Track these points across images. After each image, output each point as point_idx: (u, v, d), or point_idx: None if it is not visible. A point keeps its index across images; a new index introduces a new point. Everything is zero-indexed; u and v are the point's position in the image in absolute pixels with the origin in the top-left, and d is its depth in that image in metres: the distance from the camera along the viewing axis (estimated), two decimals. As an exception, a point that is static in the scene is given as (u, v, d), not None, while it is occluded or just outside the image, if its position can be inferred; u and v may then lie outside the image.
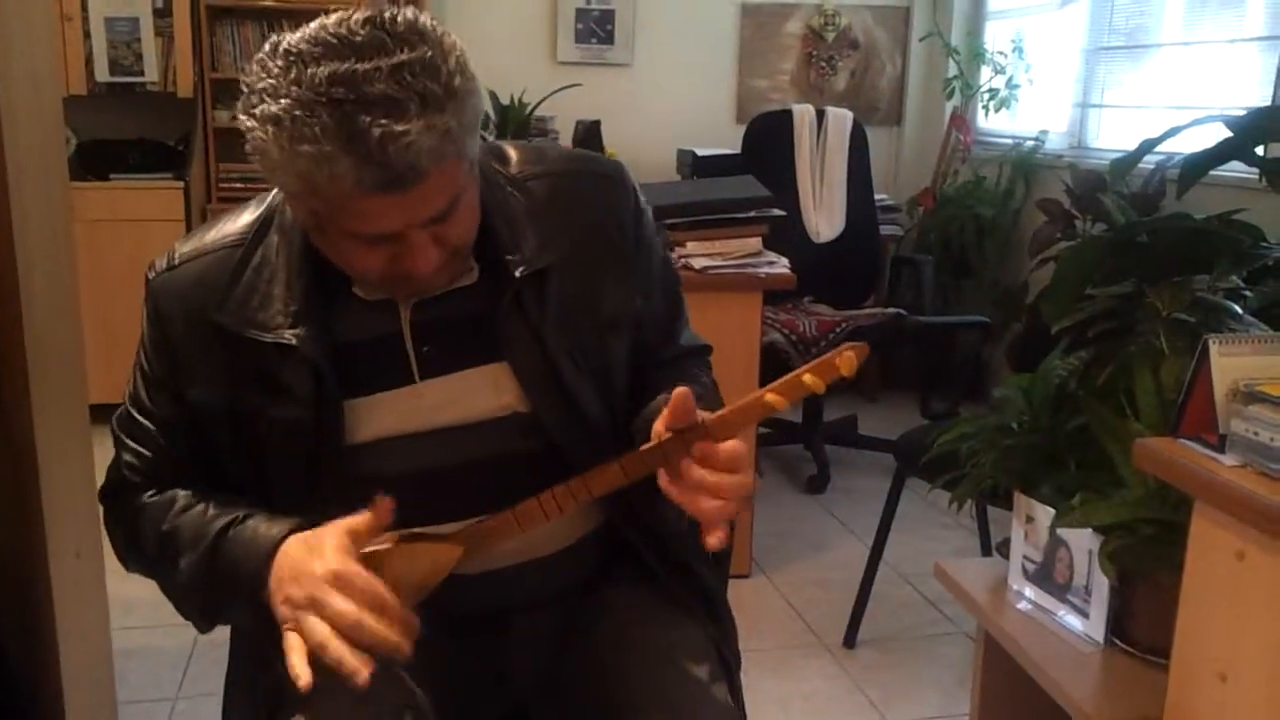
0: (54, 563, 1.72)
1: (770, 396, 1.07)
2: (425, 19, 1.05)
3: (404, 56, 1.00)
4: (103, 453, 1.64)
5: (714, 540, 1.07)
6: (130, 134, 4.41)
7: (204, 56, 4.41)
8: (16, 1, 1.67)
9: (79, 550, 1.89)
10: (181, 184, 4.28)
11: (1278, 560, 1.21)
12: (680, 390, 1.08)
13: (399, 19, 1.03)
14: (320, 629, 1.02)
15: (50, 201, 1.81)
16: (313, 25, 1.03)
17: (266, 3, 4.47)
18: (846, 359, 1.05)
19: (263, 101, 1.01)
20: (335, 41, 1.00)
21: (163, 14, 4.29)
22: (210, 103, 4.46)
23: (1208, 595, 1.33)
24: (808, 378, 1.06)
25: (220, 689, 1.34)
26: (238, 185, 4.51)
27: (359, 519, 1.09)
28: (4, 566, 1.68)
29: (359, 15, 1.03)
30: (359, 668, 0.99)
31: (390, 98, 0.98)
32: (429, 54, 1.01)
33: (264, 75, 1.02)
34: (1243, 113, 1.91)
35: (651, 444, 1.10)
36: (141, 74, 4.29)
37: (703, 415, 1.09)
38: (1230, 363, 1.38)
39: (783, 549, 3.31)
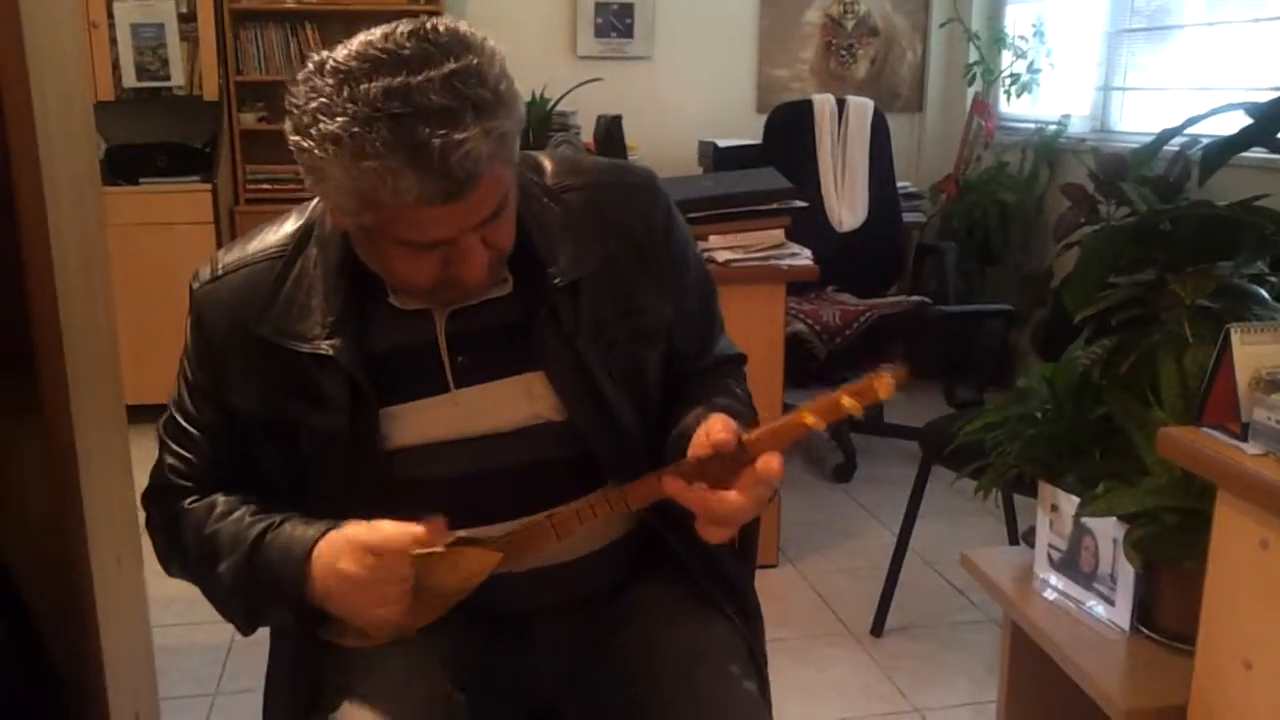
0: (95, 563, 1.75)
1: (809, 418, 1.09)
2: (464, 26, 1.07)
3: (453, 66, 1.02)
4: (139, 453, 1.68)
5: (714, 536, 1.13)
6: (158, 138, 4.45)
7: (229, 60, 4.46)
8: (45, 12, 1.70)
9: (119, 550, 1.93)
10: (209, 186, 4.33)
11: (1302, 547, 1.22)
12: (722, 425, 1.11)
13: (441, 29, 1.05)
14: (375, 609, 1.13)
15: (84, 207, 1.85)
16: (355, 42, 1.05)
17: (289, 5, 4.51)
18: (885, 383, 1.07)
19: (317, 121, 1.02)
20: (384, 56, 1.02)
21: (187, 19, 4.33)
22: (236, 105, 4.50)
23: (1232, 583, 1.34)
24: (846, 400, 1.08)
25: (259, 684, 1.37)
26: (264, 186, 4.57)
27: (404, 527, 1.12)
28: (47, 567, 1.72)
29: (403, 28, 1.05)
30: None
31: (446, 108, 1.00)
32: (475, 61, 1.03)
33: (314, 95, 1.03)
34: (1264, 99, 1.90)
35: (690, 460, 1.12)
36: (168, 79, 4.34)
37: (741, 435, 1.11)
38: (1252, 351, 1.39)
39: (810, 538, 3.33)
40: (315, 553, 1.15)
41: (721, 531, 1.12)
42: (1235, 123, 1.87)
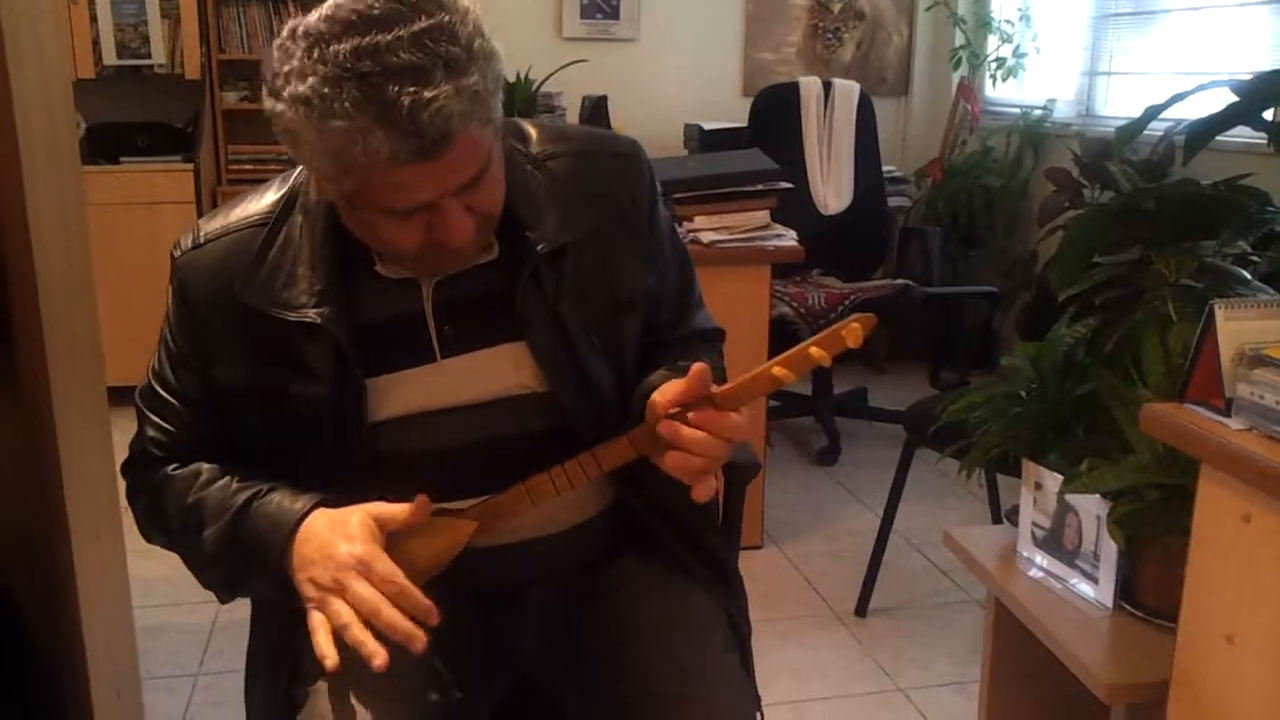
0: (76, 543, 1.74)
1: (777, 369, 1.09)
2: None
3: (423, 24, 1.01)
4: (120, 434, 1.66)
5: (699, 493, 1.12)
6: (138, 117, 4.41)
7: (211, 38, 4.42)
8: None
9: (100, 530, 1.92)
10: (191, 166, 4.30)
11: (1284, 522, 1.22)
12: (699, 365, 1.11)
13: None
14: (343, 611, 1.07)
15: (63, 186, 1.83)
16: (327, 5, 1.04)
17: (272, -17, 4.48)
18: (853, 330, 1.07)
19: (288, 84, 1.02)
20: (354, 17, 1.01)
21: (166, -2, 4.30)
22: (218, 84, 4.47)
23: (1214, 558, 1.34)
24: (814, 350, 1.08)
25: (241, 664, 1.36)
26: (247, 166, 4.54)
27: (389, 507, 1.13)
28: (27, 547, 1.71)
29: None
30: (376, 650, 1.04)
31: (415, 65, 0.99)
32: (447, 19, 1.02)
33: (286, 59, 1.03)
34: (1249, 77, 1.91)
35: (661, 418, 1.12)
36: (149, 56, 4.31)
37: (711, 388, 1.11)
38: (1236, 327, 1.39)
39: (794, 520, 3.33)
40: (298, 531, 1.14)
41: (700, 487, 1.12)
42: (1220, 103, 1.87)
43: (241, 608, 1.35)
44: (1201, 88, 1.91)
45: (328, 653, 1.06)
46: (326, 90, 0.99)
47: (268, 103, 1.05)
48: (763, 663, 1.43)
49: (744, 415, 1.13)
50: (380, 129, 0.99)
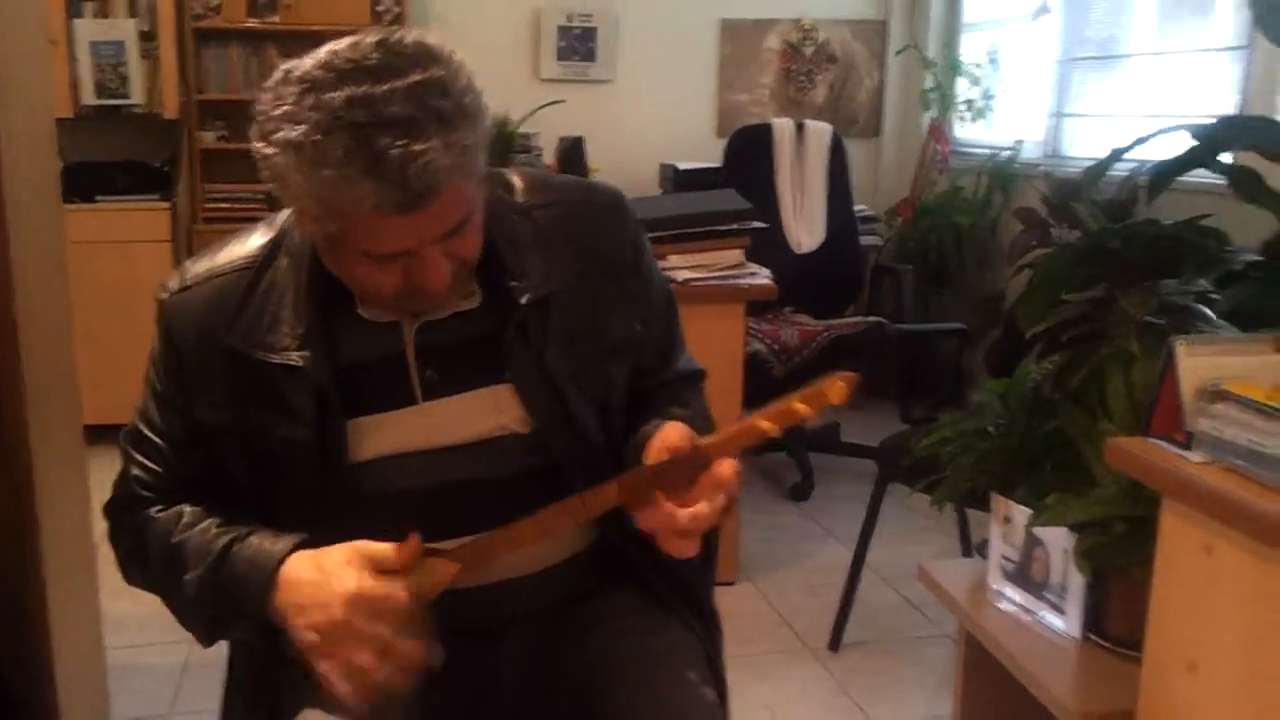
0: (50, 582, 1.74)
1: (763, 423, 1.11)
2: (431, 39, 1.08)
3: (418, 77, 1.03)
4: (97, 474, 1.67)
5: (682, 549, 1.14)
6: (116, 156, 4.43)
7: (190, 79, 4.44)
8: (9, 27, 1.70)
9: (74, 570, 1.92)
10: (168, 205, 4.31)
11: (1244, 553, 1.25)
12: (677, 434, 1.13)
13: (408, 40, 1.07)
14: (361, 653, 1.08)
15: (45, 225, 1.84)
16: (322, 52, 1.06)
17: (252, 25, 4.51)
18: (837, 388, 1.09)
19: (280, 128, 1.03)
20: (349, 66, 1.03)
21: (148, 37, 4.31)
22: (196, 124, 4.49)
23: (1177, 589, 1.37)
24: (799, 405, 1.10)
25: (213, 705, 1.36)
26: (224, 205, 4.55)
27: (378, 545, 1.13)
28: (0, 586, 1.70)
29: (369, 39, 1.06)
30: (403, 681, 1.07)
31: (408, 118, 1.01)
32: (440, 73, 1.04)
33: (278, 102, 1.04)
34: (1209, 121, 1.96)
35: (648, 466, 1.14)
36: (127, 96, 4.32)
37: (697, 441, 1.13)
38: (1197, 363, 1.42)
39: (768, 556, 3.35)
40: (287, 567, 1.15)
41: (686, 544, 1.13)
42: (1181, 146, 1.92)
43: (216, 647, 1.34)
44: (1163, 131, 1.96)
45: (350, 696, 1.08)
46: (318, 137, 1.01)
47: (257, 144, 1.07)
48: (738, 698, 1.44)
49: (734, 464, 1.13)
50: (368, 180, 1.01)
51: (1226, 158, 1.95)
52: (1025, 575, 1.80)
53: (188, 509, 1.24)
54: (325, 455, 1.21)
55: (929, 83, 4.95)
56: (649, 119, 5.03)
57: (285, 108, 1.03)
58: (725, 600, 2.49)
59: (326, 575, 1.11)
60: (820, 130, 4.27)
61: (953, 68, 4.88)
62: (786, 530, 3.58)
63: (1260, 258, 1.88)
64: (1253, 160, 1.88)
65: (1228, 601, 1.29)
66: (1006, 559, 1.84)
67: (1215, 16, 3.52)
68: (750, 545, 3.34)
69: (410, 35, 1.08)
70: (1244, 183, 1.85)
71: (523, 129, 4.53)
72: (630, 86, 5.03)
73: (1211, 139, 1.89)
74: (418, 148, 1.01)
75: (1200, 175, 1.97)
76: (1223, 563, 1.29)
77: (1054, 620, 1.74)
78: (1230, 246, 1.87)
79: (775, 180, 4.21)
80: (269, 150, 1.05)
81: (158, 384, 1.27)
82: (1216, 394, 1.37)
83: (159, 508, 1.25)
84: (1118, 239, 1.94)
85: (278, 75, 1.07)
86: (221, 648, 1.36)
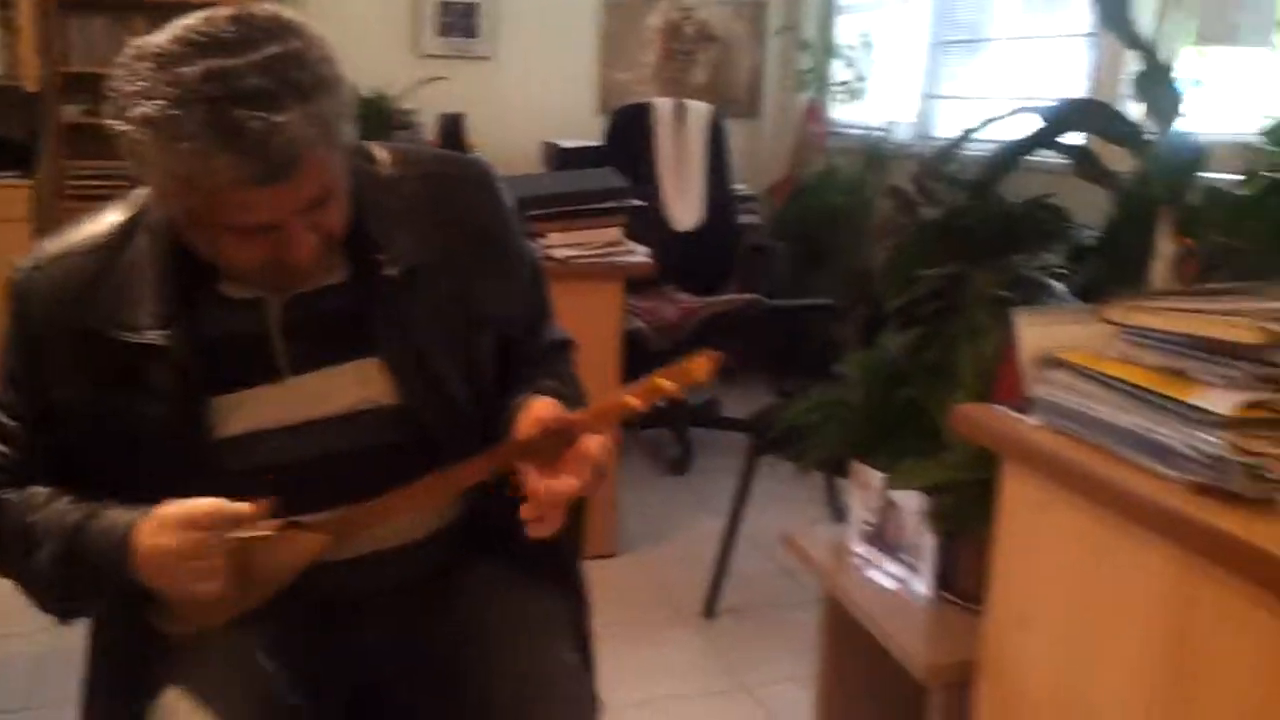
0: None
1: (629, 398, 1.15)
2: (286, 12, 1.09)
3: (273, 50, 1.04)
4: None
5: (540, 529, 1.17)
6: (-28, 129, 4.27)
7: (52, 50, 4.28)
8: None
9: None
10: (29, 182, 4.17)
11: (1075, 512, 1.33)
12: (546, 408, 1.16)
13: (262, 14, 1.07)
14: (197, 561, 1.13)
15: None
16: (177, 26, 1.06)
17: (118, -7, 4.37)
18: (700, 365, 1.14)
19: (135, 104, 1.03)
20: (204, 39, 1.03)
21: (7, 4, 4.15)
22: (59, 97, 4.33)
23: (1012, 546, 1.46)
24: (664, 381, 1.15)
25: (72, 694, 1.34)
26: (90, 182, 4.39)
27: (232, 504, 1.13)
28: None
29: (223, 13, 1.06)
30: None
31: (264, 90, 1.02)
32: (297, 45, 1.05)
33: (133, 78, 1.04)
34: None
35: (517, 440, 1.17)
36: (-17, 66, 4.16)
37: (566, 415, 1.17)
38: (1036, 333, 1.50)
39: (648, 529, 3.41)
40: (136, 531, 1.14)
41: (543, 526, 1.17)
42: (1031, 127, 2.01)
43: (71, 636, 1.33)
44: (1013, 112, 2.05)
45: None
46: (173, 111, 1.01)
47: (112, 121, 1.06)
48: (614, 664, 1.47)
49: (604, 438, 1.17)
50: (224, 152, 1.01)
51: (1080, 139, 2.06)
52: (882, 538, 1.89)
53: (41, 491, 1.23)
54: (186, 433, 1.21)
55: (806, 64, 5.04)
56: (531, 96, 5.03)
57: (140, 84, 1.03)
58: (605, 572, 2.55)
59: (167, 530, 1.13)
60: (700, 110, 4.33)
61: (829, 50, 4.98)
62: (666, 503, 3.65)
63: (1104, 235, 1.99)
64: (1095, 143, 1.98)
65: (1057, 558, 1.37)
66: (866, 523, 1.93)
67: (1072, 2, 3.66)
68: (630, 518, 3.40)
69: (264, 8, 1.08)
70: (1083, 163, 1.95)
71: (404, 105, 4.49)
72: (512, 63, 5.02)
73: (1057, 121, 1.99)
74: (278, 119, 1.01)
75: (1053, 154, 2.06)
76: (1053, 521, 1.37)
77: (909, 579, 1.83)
78: (1069, 223, 1.97)
79: (655, 159, 4.26)
80: (126, 127, 1.05)
81: (8, 365, 1.25)
82: (1052, 361, 1.46)
83: (9, 491, 1.23)
84: (971, 217, 2.03)
85: (130, 51, 1.06)
86: (76, 638, 1.34)
